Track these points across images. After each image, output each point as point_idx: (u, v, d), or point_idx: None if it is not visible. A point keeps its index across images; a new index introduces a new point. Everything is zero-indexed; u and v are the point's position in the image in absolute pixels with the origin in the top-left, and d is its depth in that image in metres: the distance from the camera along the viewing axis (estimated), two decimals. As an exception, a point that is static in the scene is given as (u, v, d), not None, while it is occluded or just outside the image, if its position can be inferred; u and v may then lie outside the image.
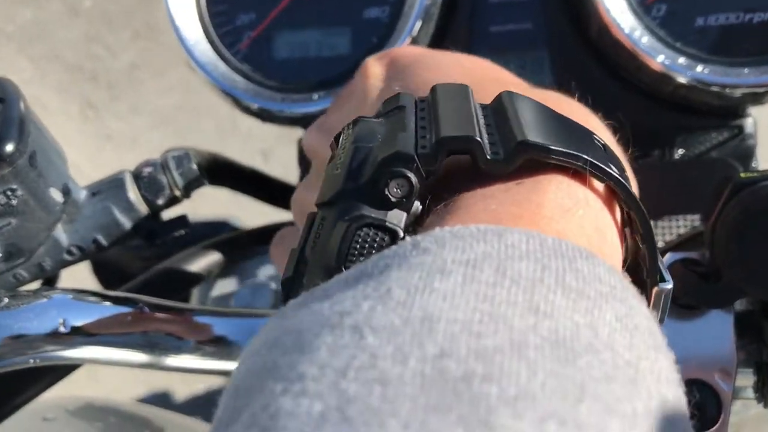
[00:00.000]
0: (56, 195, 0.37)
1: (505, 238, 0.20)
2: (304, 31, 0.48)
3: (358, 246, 0.22)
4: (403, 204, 0.23)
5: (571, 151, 0.23)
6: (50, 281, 0.43)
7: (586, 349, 0.18)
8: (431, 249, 0.20)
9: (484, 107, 0.26)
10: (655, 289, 0.25)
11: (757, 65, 0.44)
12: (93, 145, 1.85)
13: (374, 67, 0.35)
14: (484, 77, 0.32)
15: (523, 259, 0.19)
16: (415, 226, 0.24)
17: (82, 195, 0.40)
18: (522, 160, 0.23)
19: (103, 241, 0.40)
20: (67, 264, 0.40)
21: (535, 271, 0.19)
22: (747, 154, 0.46)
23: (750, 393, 0.39)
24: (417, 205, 0.23)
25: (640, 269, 0.26)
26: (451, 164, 0.23)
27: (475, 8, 0.48)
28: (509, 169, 0.23)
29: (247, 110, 0.49)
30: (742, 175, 0.34)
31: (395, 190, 0.23)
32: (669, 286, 0.25)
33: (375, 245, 0.22)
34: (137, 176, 0.41)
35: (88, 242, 0.39)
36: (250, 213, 0.62)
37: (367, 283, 0.19)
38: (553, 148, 0.23)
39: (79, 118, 1.89)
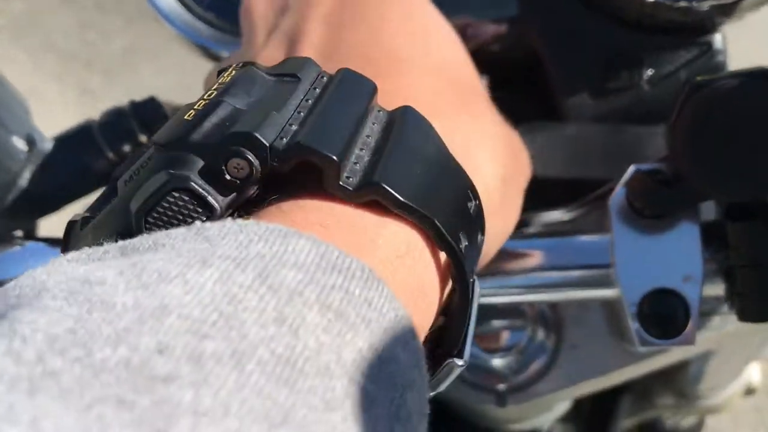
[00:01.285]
0: (19, 143, 0.38)
1: (288, 243, 0.19)
2: (266, -25, 0.48)
3: (166, 206, 0.20)
4: (236, 186, 0.21)
5: (420, 210, 0.22)
6: (29, 234, 0.44)
7: (318, 372, 0.17)
8: (212, 238, 0.19)
9: (377, 117, 0.24)
10: (447, 360, 0.24)
11: (722, -23, 0.43)
12: (92, 132, 1.86)
13: None
14: (427, 69, 0.29)
15: (294, 269, 0.18)
16: (247, 209, 0.22)
17: (48, 144, 0.40)
18: (369, 199, 0.22)
19: (73, 190, 0.40)
20: (39, 214, 0.41)
21: (300, 283, 0.18)
22: (717, 70, 0.45)
23: (726, 309, 0.39)
24: (254, 190, 0.22)
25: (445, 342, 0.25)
26: (309, 164, 0.22)
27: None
28: (355, 201, 0.22)
29: (214, 59, 0.49)
30: (699, 77, 0.34)
31: (234, 169, 0.21)
32: (461, 363, 0.24)
33: (184, 213, 0.21)
34: (102, 124, 0.41)
35: (58, 191, 0.40)
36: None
37: (130, 257, 0.18)
38: (401, 200, 0.22)
39: (77, 105, 1.90)
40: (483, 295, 0.41)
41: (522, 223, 0.45)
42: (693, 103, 0.33)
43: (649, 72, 0.45)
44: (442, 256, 0.24)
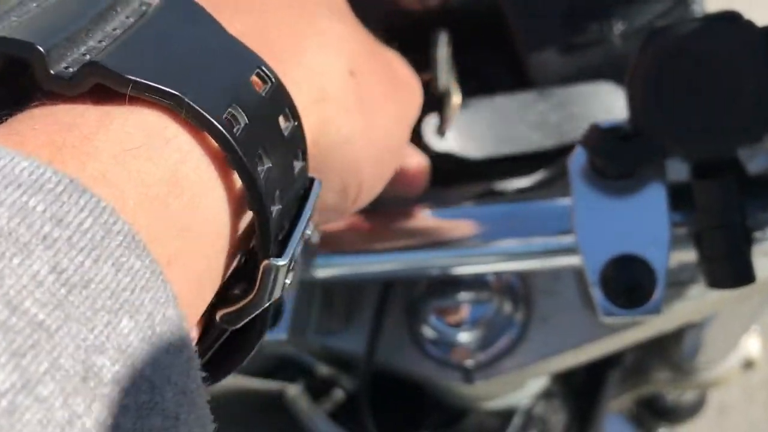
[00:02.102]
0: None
1: None
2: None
3: None
4: None
5: (158, 85, 0.19)
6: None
7: None
8: None
9: (135, 11, 0.22)
10: (264, 263, 0.22)
11: None
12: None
13: None
14: None
15: None
16: None
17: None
18: (92, 85, 0.19)
19: None
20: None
21: None
22: (694, 22, 0.42)
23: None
24: None
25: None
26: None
27: None
28: (75, 91, 0.19)
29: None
30: (659, 23, 0.31)
31: None
32: (282, 262, 0.22)
33: None
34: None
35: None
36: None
37: None
38: (126, 77, 0.19)
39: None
40: (443, 267, 0.38)
41: (486, 193, 0.43)
42: (652, 50, 0.30)
43: (620, 25, 0.42)
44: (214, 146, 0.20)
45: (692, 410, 0.95)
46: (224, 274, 0.22)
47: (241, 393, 0.57)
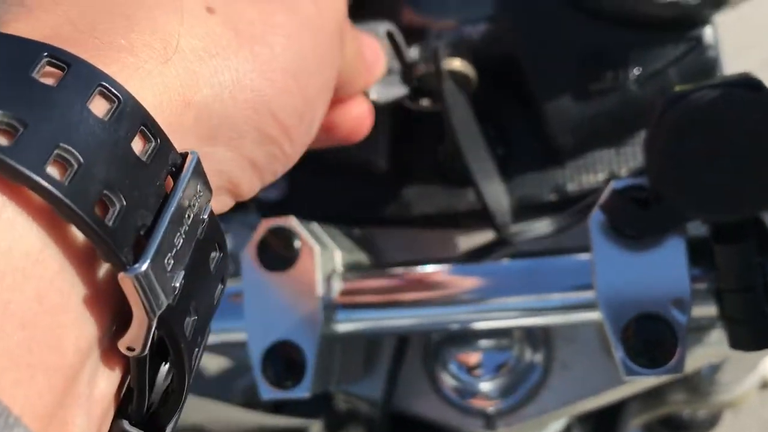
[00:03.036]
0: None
1: None
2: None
3: None
4: None
5: None
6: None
7: None
8: None
9: None
10: (119, 276, 0.17)
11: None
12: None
13: None
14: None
15: None
16: None
17: None
18: None
19: None
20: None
21: None
22: (709, 67, 0.42)
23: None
24: None
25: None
26: None
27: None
28: None
29: None
30: (677, 88, 0.31)
31: None
32: (141, 268, 0.17)
33: None
34: None
35: None
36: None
37: None
38: None
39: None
40: (462, 322, 0.38)
41: (504, 240, 0.43)
42: (670, 116, 0.30)
43: (636, 71, 0.42)
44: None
45: (708, 425, 0.95)
46: (106, 320, 0.18)
47: (264, 430, 0.57)
